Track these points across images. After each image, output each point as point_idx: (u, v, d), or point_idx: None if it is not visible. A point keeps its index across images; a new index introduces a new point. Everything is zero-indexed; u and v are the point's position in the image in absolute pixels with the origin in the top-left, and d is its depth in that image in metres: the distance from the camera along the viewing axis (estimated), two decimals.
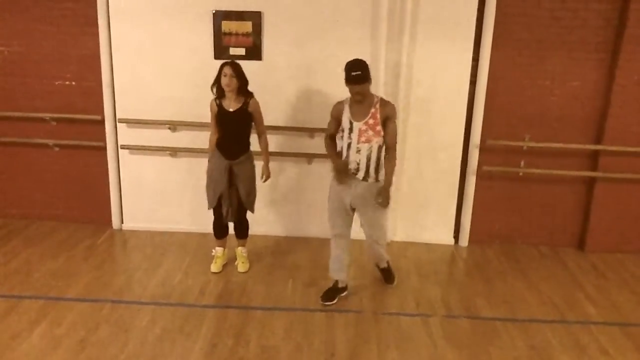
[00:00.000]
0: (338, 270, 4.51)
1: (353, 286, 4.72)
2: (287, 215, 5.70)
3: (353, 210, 4.36)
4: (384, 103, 4.14)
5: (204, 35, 5.20)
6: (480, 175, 5.50)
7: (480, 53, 5.17)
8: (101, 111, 5.45)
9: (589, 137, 5.42)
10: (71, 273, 4.79)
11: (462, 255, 5.50)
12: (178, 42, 5.23)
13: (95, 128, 5.52)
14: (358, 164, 4.17)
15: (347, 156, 4.19)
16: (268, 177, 4.79)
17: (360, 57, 4.07)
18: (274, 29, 5.17)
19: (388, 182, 4.20)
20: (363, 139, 4.11)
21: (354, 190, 4.24)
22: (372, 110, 4.09)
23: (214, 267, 4.91)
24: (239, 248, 5.02)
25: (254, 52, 5.21)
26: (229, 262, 5.05)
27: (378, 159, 4.17)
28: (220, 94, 4.53)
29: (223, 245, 4.99)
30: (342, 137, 4.23)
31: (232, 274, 4.87)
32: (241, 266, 4.96)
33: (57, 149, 5.65)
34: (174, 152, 5.48)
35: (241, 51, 5.20)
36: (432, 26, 5.11)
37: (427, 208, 5.62)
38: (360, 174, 4.19)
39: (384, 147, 4.18)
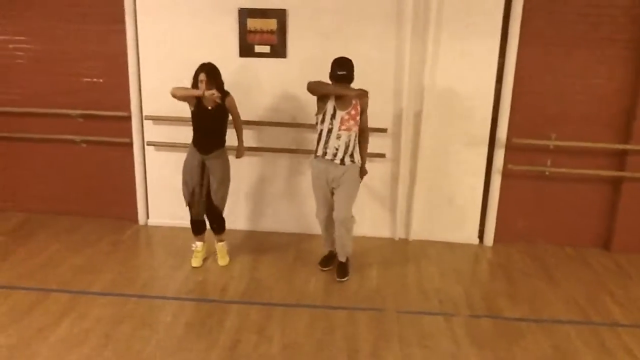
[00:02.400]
0: (329, 243, 5.00)
1: (375, 284, 4.73)
2: (303, 211, 5.69)
3: (332, 192, 4.71)
4: (362, 95, 4.48)
5: (230, 33, 5.23)
6: (505, 174, 5.45)
7: (507, 50, 5.13)
8: (128, 108, 5.52)
9: (617, 136, 5.34)
10: (97, 268, 4.86)
11: (486, 254, 5.46)
12: (204, 39, 5.27)
13: (121, 124, 5.59)
14: (337, 149, 4.50)
15: (327, 141, 4.50)
16: (242, 154, 4.93)
17: (346, 56, 4.44)
18: (299, 26, 5.18)
19: (364, 160, 4.70)
20: (344, 127, 4.45)
21: (334, 173, 4.57)
22: (354, 101, 4.46)
23: (194, 262, 4.94)
24: (220, 243, 5.03)
25: (279, 50, 5.22)
26: (235, 259, 5.08)
27: (354, 145, 4.56)
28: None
29: (202, 240, 5.02)
30: (322, 121, 4.49)
31: (255, 270, 4.89)
32: (221, 260, 4.99)
33: (84, 145, 5.73)
34: None
35: (266, 49, 5.22)
36: (458, 23, 5.08)
37: (451, 207, 5.58)
38: (338, 159, 4.53)
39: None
